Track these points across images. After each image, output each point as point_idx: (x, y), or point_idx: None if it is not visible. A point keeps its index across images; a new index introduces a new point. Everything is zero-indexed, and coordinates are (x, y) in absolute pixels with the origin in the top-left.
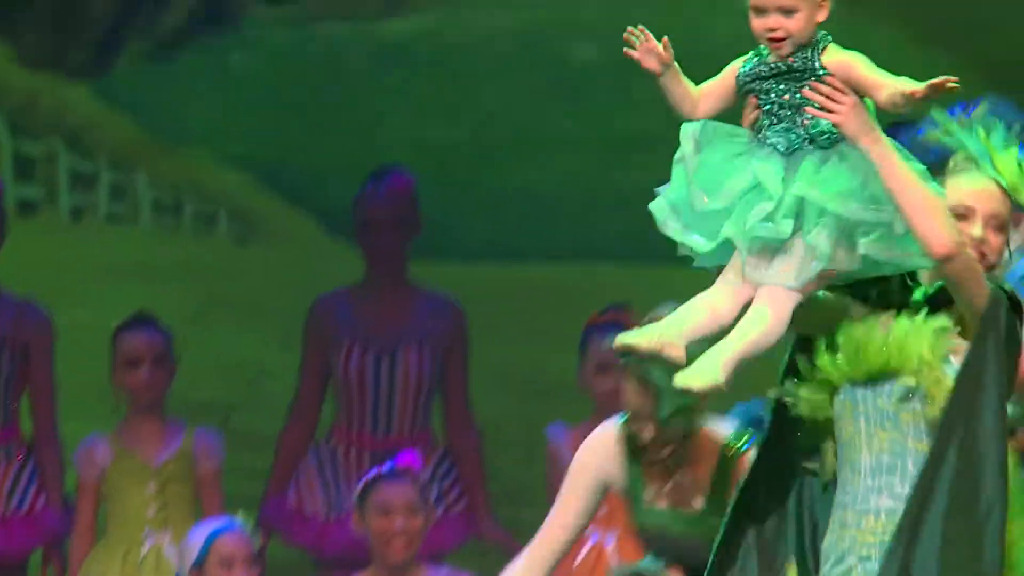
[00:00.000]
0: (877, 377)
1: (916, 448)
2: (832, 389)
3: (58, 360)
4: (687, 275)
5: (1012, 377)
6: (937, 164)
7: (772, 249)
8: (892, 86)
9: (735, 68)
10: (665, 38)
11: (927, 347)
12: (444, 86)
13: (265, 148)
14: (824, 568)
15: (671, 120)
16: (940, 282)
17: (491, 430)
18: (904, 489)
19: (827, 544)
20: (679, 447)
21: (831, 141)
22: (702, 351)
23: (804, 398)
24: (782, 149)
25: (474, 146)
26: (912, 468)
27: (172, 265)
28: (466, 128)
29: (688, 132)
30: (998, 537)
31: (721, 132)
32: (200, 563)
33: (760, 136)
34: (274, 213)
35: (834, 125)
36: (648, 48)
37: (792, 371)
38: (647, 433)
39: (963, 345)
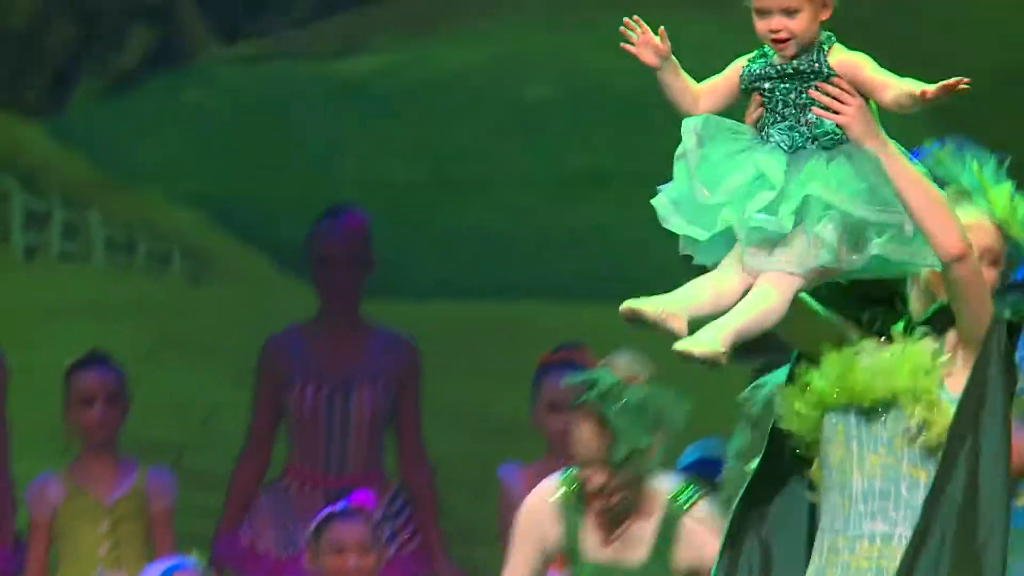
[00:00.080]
0: (867, 403)
1: (910, 473)
2: (823, 410)
3: (10, 398)
4: None
5: (1010, 402)
6: None
7: (772, 240)
8: (899, 87)
9: (738, 67)
10: (662, 29)
11: (920, 373)
12: (398, 125)
13: (219, 186)
14: None
15: (624, 158)
16: (930, 311)
17: (444, 468)
18: (898, 514)
19: (814, 571)
20: (628, 495)
21: (834, 142)
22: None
23: (797, 411)
24: (785, 147)
25: (428, 184)
26: (906, 493)
27: (125, 303)
28: (420, 166)
29: (690, 127)
30: (999, 562)
31: (723, 128)
32: None
33: (763, 134)
34: (227, 251)
35: (839, 126)
36: (645, 41)
37: (792, 382)
38: (597, 479)
39: (956, 370)
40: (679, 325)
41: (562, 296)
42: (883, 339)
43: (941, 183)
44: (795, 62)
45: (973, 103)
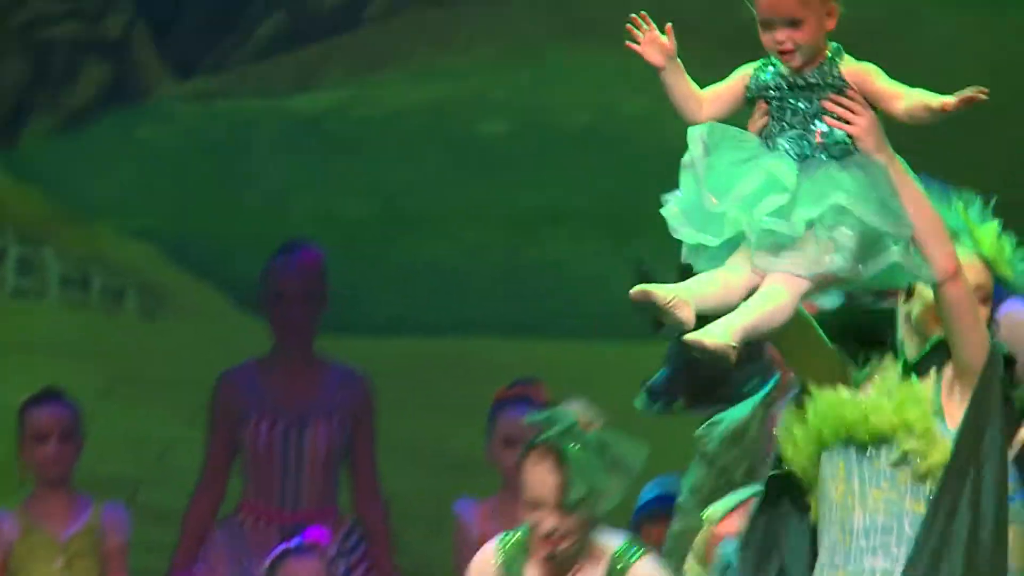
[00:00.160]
0: (863, 439)
1: (912, 509)
2: (818, 447)
3: None
4: (594, 350)
5: (1012, 433)
6: None
7: (782, 243)
8: (911, 97)
9: (744, 75)
10: (669, 26)
11: (912, 407)
12: (353, 161)
13: (174, 222)
14: None
15: (577, 194)
16: (925, 349)
17: (400, 504)
18: (899, 550)
19: None
20: (577, 541)
21: (843, 152)
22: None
23: (795, 439)
24: (794, 155)
25: (383, 220)
26: (908, 529)
27: (80, 339)
28: (375, 202)
29: (696, 135)
30: None
31: (729, 135)
32: None
33: (769, 142)
34: (182, 287)
35: (850, 136)
36: (651, 39)
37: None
38: (548, 522)
39: (954, 403)
40: (687, 314)
41: (517, 332)
42: (877, 377)
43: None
44: (807, 73)
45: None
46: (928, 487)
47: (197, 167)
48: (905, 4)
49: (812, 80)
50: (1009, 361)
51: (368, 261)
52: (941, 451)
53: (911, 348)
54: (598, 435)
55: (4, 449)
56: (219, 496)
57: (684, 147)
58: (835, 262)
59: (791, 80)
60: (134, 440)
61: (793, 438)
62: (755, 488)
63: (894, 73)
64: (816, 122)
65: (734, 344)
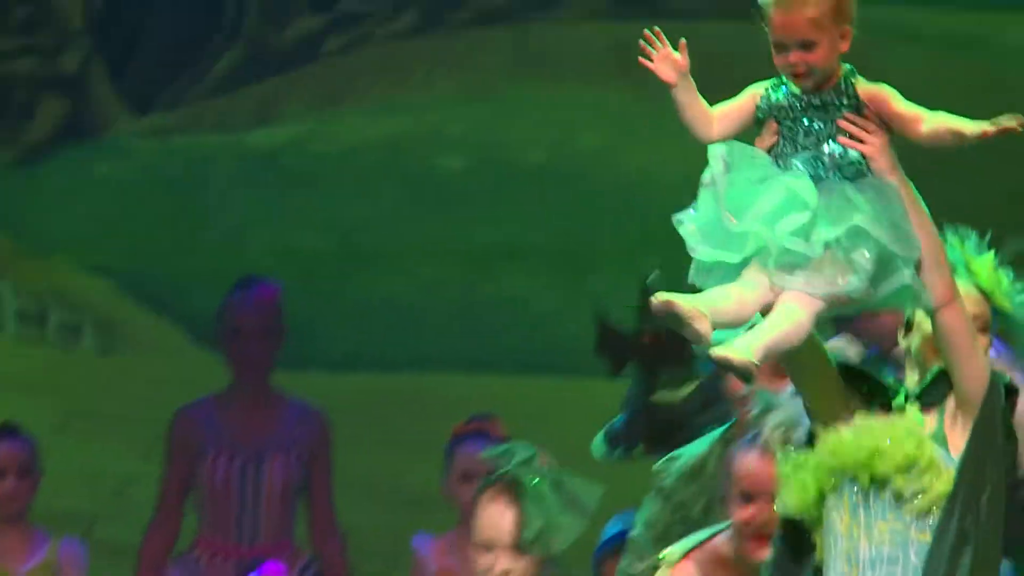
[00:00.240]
0: (864, 483)
1: (918, 538)
2: (824, 488)
3: None
4: (551, 386)
5: (1013, 464)
6: None
7: (800, 263)
8: (935, 120)
9: (754, 94)
10: (682, 42)
11: (910, 442)
12: (310, 196)
13: (131, 257)
14: None
15: (533, 230)
16: (926, 380)
17: (357, 539)
18: None
19: None
20: None
21: (856, 173)
22: None
23: (799, 486)
24: (809, 175)
25: (340, 255)
26: (914, 559)
27: (37, 375)
28: (331, 238)
29: (718, 153)
30: None
31: (745, 154)
32: None
33: (781, 161)
34: (139, 322)
35: (864, 156)
36: (664, 56)
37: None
38: (501, 564)
39: (957, 434)
40: (705, 327)
41: (473, 368)
42: (882, 411)
43: None
44: (823, 94)
45: None
46: (933, 517)
47: (154, 202)
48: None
49: (827, 100)
50: (1011, 391)
51: (325, 296)
52: (945, 481)
53: (912, 381)
54: (553, 472)
55: None
56: (174, 532)
57: (640, 183)
58: (851, 283)
59: (805, 100)
60: (90, 475)
61: (795, 485)
62: (715, 528)
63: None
64: (829, 142)
65: (757, 362)
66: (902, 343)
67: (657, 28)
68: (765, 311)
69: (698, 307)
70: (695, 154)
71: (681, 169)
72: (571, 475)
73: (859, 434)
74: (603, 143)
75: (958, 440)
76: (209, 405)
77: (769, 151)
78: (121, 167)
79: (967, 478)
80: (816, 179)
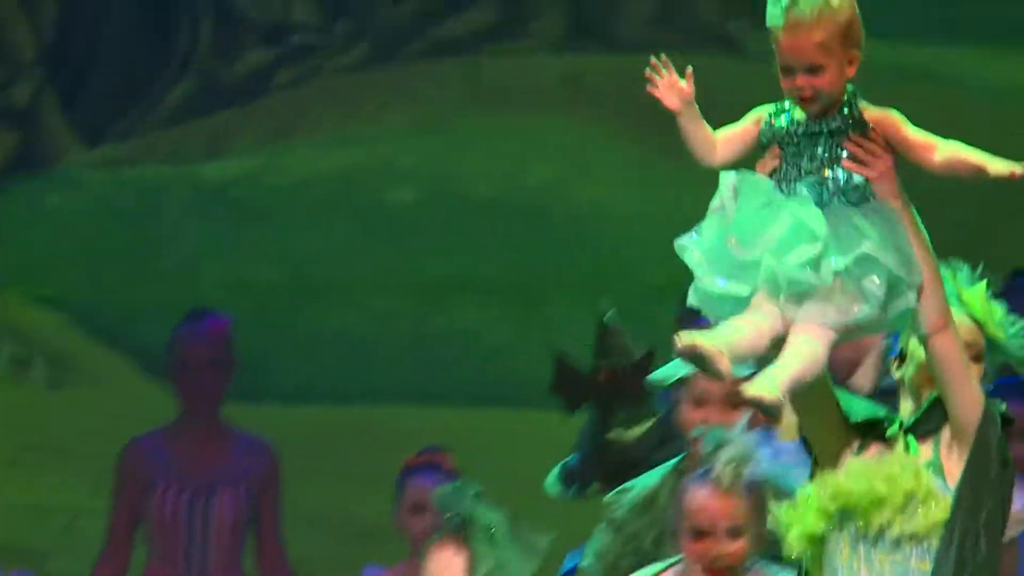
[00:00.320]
0: (865, 520)
1: (919, 568)
2: (831, 520)
3: None
4: (502, 418)
5: (1007, 496)
6: None
7: (808, 293)
8: (950, 150)
9: (757, 117)
10: (689, 70)
11: (904, 477)
12: (263, 228)
13: (82, 289)
14: None
15: (485, 263)
16: (921, 409)
17: (307, 571)
18: None
19: None
20: None
21: (860, 197)
22: None
23: (815, 503)
24: (813, 200)
25: (291, 288)
26: None
27: None
28: (283, 270)
29: (728, 181)
30: None
31: (750, 181)
32: None
33: (784, 186)
34: (90, 354)
35: (869, 180)
36: (670, 84)
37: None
38: None
39: (953, 463)
40: (726, 366)
41: (425, 400)
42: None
43: None
44: (827, 120)
45: None
46: (933, 545)
47: (106, 234)
48: None
49: (832, 125)
50: (1007, 420)
51: (277, 329)
52: (943, 509)
53: (907, 410)
54: (504, 514)
55: None
56: (123, 565)
57: (592, 216)
58: (864, 312)
59: (809, 125)
60: (41, 509)
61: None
62: (668, 562)
63: None
64: (834, 167)
65: (782, 399)
66: (895, 374)
67: (664, 56)
68: (776, 341)
69: (716, 346)
70: (647, 187)
71: (633, 202)
72: (519, 520)
73: (858, 480)
74: (555, 175)
75: (954, 469)
76: (159, 437)
77: (771, 174)
78: (72, 198)
79: (964, 505)
80: (820, 204)
